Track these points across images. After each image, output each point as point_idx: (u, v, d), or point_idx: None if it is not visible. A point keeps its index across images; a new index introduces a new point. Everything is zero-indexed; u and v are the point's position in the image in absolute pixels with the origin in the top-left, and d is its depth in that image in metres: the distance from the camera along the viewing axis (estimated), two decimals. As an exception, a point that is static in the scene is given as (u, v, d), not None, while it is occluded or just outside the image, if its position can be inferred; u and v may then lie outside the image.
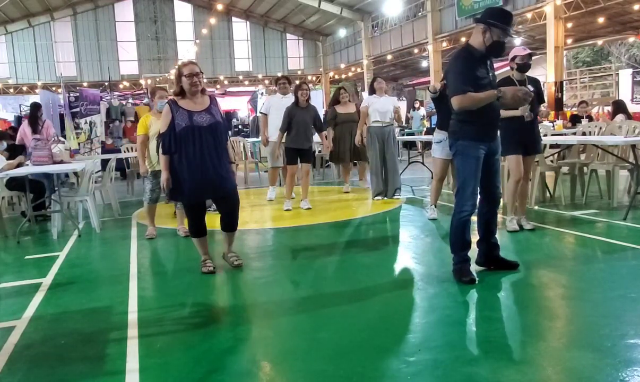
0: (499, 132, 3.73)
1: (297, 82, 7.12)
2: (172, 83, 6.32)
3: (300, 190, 7.09)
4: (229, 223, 4.23)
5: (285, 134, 6.71)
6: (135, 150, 9.74)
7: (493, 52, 3.53)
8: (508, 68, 5.14)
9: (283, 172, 8.17)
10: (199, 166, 3.91)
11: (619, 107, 9.06)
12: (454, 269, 3.70)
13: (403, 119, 7.82)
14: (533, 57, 5.44)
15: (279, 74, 31.96)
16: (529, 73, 5.07)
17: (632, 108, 12.77)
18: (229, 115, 23.60)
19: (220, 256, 4.49)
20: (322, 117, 7.79)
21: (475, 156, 3.56)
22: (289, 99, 7.24)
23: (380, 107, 7.03)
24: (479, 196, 3.70)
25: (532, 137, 4.97)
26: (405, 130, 16.14)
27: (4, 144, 7.20)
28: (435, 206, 6.03)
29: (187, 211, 4.19)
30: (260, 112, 7.72)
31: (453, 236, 3.69)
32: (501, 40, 3.49)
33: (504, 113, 4.03)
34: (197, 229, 4.19)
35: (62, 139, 11.16)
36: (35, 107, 8.40)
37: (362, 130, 7.33)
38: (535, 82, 5.05)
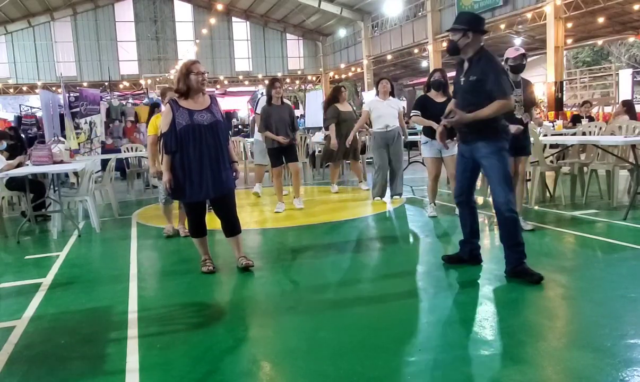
0: (481, 137, 3.71)
1: (267, 81, 7.13)
2: (172, 83, 6.35)
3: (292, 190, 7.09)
4: (230, 227, 4.20)
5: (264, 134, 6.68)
6: (135, 151, 9.83)
7: (450, 53, 3.77)
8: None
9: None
10: (199, 165, 3.91)
11: (628, 107, 9.04)
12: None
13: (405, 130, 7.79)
14: (534, 57, 5.43)
15: (279, 74, 31.78)
16: (528, 72, 5.07)
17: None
18: (229, 115, 23.63)
19: (220, 255, 4.49)
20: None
21: (459, 151, 3.97)
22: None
23: (384, 113, 6.95)
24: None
25: (522, 139, 4.96)
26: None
27: (4, 144, 7.20)
28: (435, 204, 6.07)
29: (187, 210, 4.19)
30: (257, 113, 7.96)
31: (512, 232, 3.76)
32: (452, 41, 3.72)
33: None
34: (197, 229, 4.18)
35: (62, 139, 11.16)
36: (152, 106, 8.63)
37: (357, 130, 7.32)
38: (528, 84, 5.04)
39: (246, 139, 12.47)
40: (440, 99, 5.80)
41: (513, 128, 4.79)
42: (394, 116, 6.86)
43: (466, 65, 3.74)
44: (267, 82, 7.57)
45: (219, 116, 4.06)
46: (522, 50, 4.95)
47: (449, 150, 5.78)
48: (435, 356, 2.56)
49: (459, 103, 3.80)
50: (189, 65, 3.97)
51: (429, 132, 5.76)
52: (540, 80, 20.09)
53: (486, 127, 3.66)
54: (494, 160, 3.67)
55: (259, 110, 7.75)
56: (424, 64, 26.05)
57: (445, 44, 21.94)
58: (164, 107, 5.44)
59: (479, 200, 7.17)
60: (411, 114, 6.07)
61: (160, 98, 5.75)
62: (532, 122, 5.18)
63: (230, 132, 16.33)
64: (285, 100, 6.81)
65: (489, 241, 5.00)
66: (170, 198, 5.50)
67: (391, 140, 6.91)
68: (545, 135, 7.66)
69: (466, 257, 4.04)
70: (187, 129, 3.89)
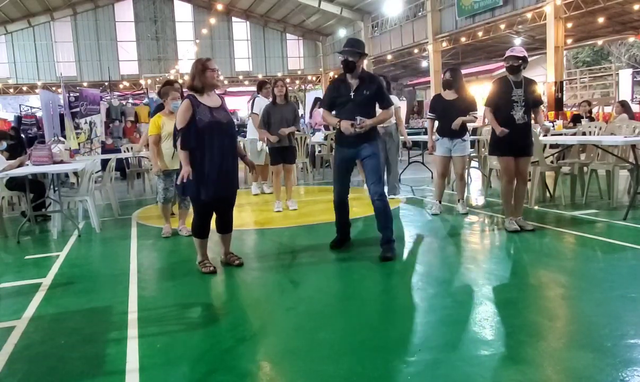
0: (365, 140, 4.41)
1: (273, 80, 7.12)
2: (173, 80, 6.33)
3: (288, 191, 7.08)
4: (227, 224, 4.27)
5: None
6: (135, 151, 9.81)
7: (346, 70, 4.39)
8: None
9: (262, 172, 8.36)
10: (218, 163, 3.94)
11: (624, 106, 9.14)
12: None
13: (403, 119, 7.79)
14: (534, 57, 5.42)
15: (279, 74, 31.74)
16: (528, 72, 5.06)
17: (632, 108, 12.77)
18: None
19: (219, 255, 4.49)
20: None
21: (339, 157, 4.55)
22: None
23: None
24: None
25: (523, 140, 4.97)
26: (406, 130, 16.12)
27: (4, 144, 7.20)
28: (440, 202, 6.14)
29: (196, 209, 4.15)
30: (254, 113, 7.99)
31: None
32: (343, 60, 4.34)
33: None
34: (204, 229, 4.18)
35: (62, 139, 11.16)
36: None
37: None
38: (530, 84, 5.04)
39: (245, 138, 12.46)
40: (450, 97, 5.94)
41: (498, 130, 4.83)
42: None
43: (356, 82, 4.38)
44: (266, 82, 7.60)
45: (230, 115, 4.14)
46: (512, 53, 4.92)
47: (459, 150, 5.94)
48: (435, 356, 2.56)
49: (353, 113, 4.33)
50: (204, 61, 3.99)
51: (441, 130, 5.95)
52: (540, 80, 20.08)
53: (372, 131, 4.43)
54: (375, 159, 4.41)
55: (256, 110, 7.83)
56: (424, 64, 26.04)
57: (445, 44, 21.99)
58: (167, 107, 5.44)
59: (480, 200, 7.18)
60: (427, 116, 6.32)
61: (160, 97, 5.70)
62: (539, 126, 5.16)
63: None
64: (290, 100, 6.86)
65: (489, 241, 5.00)
66: (168, 199, 5.51)
67: (387, 137, 7.00)
68: (545, 135, 7.65)
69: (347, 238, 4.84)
70: (209, 125, 3.90)
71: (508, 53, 4.95)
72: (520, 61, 4.90)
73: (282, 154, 6.65)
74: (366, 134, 4.37)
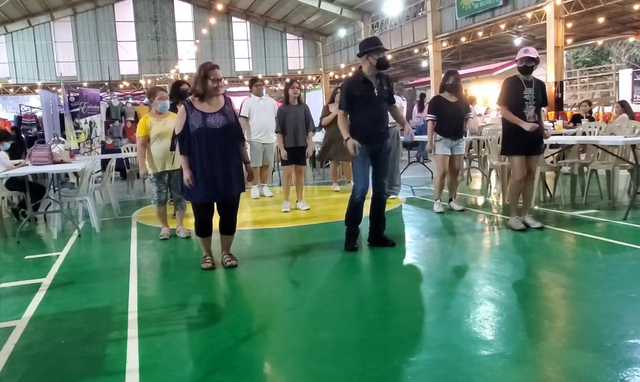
0: (388, 136, 4.71)
1: (287, 80, 7.05)
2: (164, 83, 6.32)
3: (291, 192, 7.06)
4: (229, 226, 4.29)
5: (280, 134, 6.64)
6: (135, 151, 9.80)
7: (382, 68, 4.50)
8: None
9: (261, 173, 8.25)
10: (211, 168, 3.96)
11: (624, 107, 9.15)
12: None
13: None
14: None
15: (279, 74, 31.64)
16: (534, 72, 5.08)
17: (632, 108, 12.76)
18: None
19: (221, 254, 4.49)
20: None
21: (365, 153, 4.52)
22: (265, 100, 7.62)
23: None
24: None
25: (534, 138, 4.99)
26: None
27: (6, 144, 7.19)
28: (441, 200, 6.27)
29: (195, 210, 4.22)
30: (242, 116, 7.75)
31: (348, 213, 4.71)
32: (381, 58, 4.42)
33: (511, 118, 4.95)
34: (204, 229, 4.24)
35: (62, 139, 11.16)
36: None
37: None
38: (539, 84, 5.10)
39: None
40: (452, 99, 6.10)
41: (527, 126, 4.85)
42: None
43: (376, 79, 4.50)
44: (286, 81, 7.46)
45: (232, 118, 4.09)
46: (527, 54, 4.94)
47: (460, 149, 6.17)
48: (435, 356, 2.56)
49: (379, 107, 4.54)
50: (207, 69, 3.99)
51: (445, 131, 6.05)
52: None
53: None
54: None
55: (244, 113, 7.68)
56: (424, 63, 26.03)
57: (445, 44, 21.98)
58: (155, 107, 5.44)
59: (480, 200, 7.18)
60: (427, 118, 6.31)
61: (150, 98, 5.64)
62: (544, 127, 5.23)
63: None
64: (301, 100, 6.83)
65: (489, 241, 5.00)
66: (162, 201, 5.50)
67: (390, 138, 7.06)
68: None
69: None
70: (200, 132, 3.93)
71: (523, 54, 4.97)
72: (533, 62, 4.98)
73: (294, 155, 6.63)
74: (389, 129, 4.81)
